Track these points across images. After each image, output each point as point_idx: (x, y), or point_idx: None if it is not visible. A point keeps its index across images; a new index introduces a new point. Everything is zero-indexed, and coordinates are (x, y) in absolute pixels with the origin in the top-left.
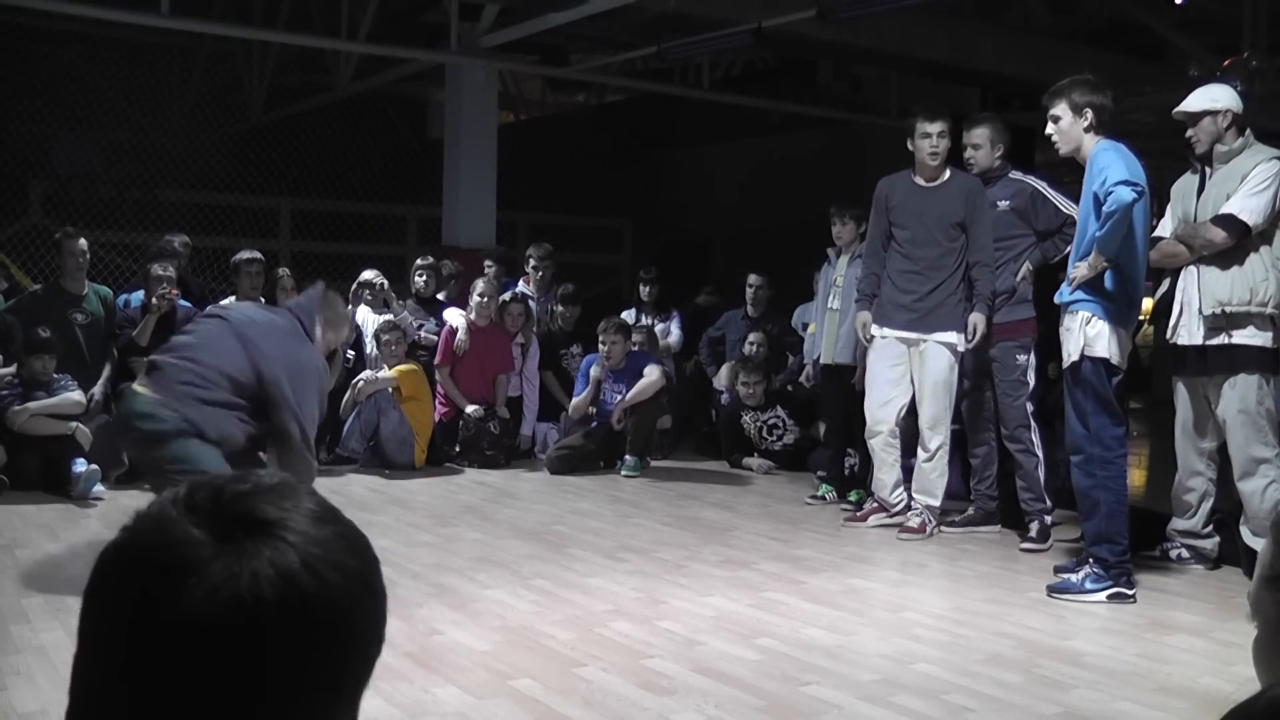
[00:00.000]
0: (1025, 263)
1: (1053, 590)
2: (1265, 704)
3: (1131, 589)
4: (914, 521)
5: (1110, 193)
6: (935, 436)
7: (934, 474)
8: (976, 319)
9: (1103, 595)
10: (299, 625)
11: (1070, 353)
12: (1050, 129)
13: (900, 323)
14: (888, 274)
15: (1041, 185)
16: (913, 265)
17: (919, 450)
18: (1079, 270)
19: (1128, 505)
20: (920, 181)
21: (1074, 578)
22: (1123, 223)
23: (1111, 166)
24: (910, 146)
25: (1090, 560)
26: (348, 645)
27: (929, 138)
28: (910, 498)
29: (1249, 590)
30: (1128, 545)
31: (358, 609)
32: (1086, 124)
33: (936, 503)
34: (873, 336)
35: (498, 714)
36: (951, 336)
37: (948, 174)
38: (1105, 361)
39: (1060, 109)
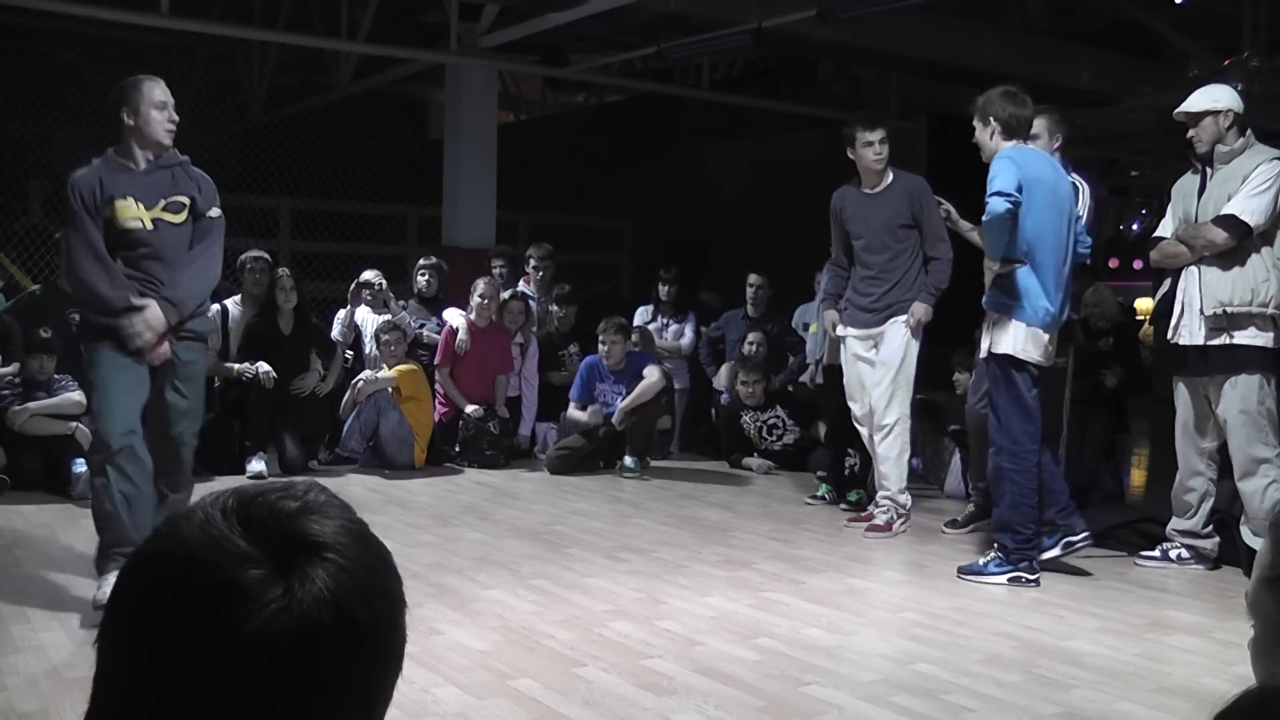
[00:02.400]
0: None
1: (962, 571)
2: (1258, 694)
3: (1034, 574)
4: (881, 519)
5: (987, 203)
6: (890, 412)
7: (893, 453)
8: (917, 306)
9: (1004, 578)
10: (350, 651)
11: (981, 350)
12: (977, 139)
13: (863, 322)
14: (851, 280)
15: (1085, 191)
16: (869, 270)
17: (875, 427)
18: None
19: (1036, 496)
20: (866, 189)
21: (980, 560)
22: (998, 230)
23: (998, 175)
24: (851, 155)
25: (994, 545)
26: (386, 668)
27: (871, 145)
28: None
29: (1247, 590)
30: (1032, 534)
31: (398, 634)
32: (992, 132)
33: (896, 489)
34: (842, 338)
35: (498, 714)
36: (903, 318)
37: (890, 177)
38: (1011, 358)
39: (976, 123)
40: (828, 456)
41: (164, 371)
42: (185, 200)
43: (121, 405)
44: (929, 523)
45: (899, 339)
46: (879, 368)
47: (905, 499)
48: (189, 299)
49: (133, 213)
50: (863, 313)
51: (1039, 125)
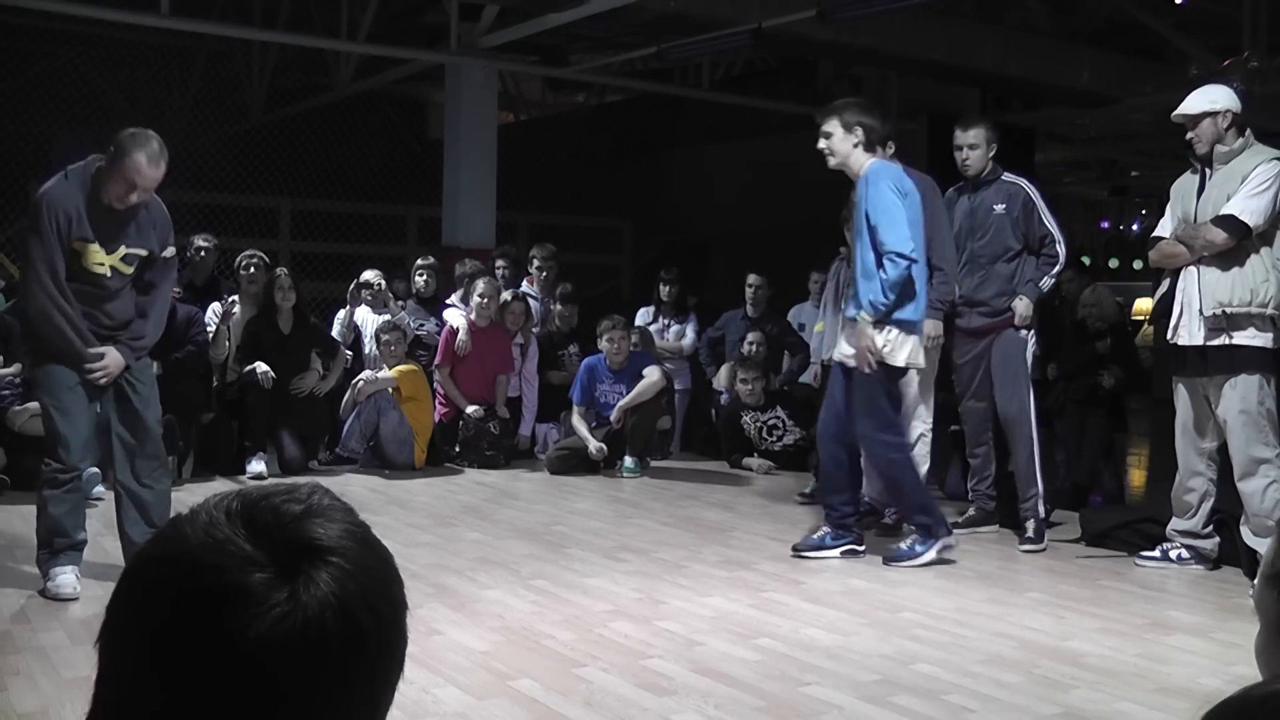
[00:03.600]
0: (1022, 298)
1: (889, 560)
2: (1261, 696)
3: (954, 541)
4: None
5: (890, 260)
6: (912, 427)
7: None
8: (927, 325)
9: (932, 553)
10: (354, 655)
11: (900, 360)
12: (821, 144)
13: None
14: None
15: (1033, 192)
16: None
17: None
18: (866, 330)
19: (923, 478)
20: None
21: (903, 545)
22: (900, 289)
23: (893, 220)
24: None
25: (917, 527)
26: (389, 670)
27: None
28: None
29: (1253, 588)
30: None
31: (400, 637)
32: (856, 141)
33: None
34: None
35: (498, 714)
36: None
37: None
38: (898, 368)
39: (831, 125)
40: None
41: (116, 384)
42: (143, 254)
43: (79, 433)
44: None
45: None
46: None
47: None
48: (150, 344)
49: (99, 258)
50: None
51: (977, 135)
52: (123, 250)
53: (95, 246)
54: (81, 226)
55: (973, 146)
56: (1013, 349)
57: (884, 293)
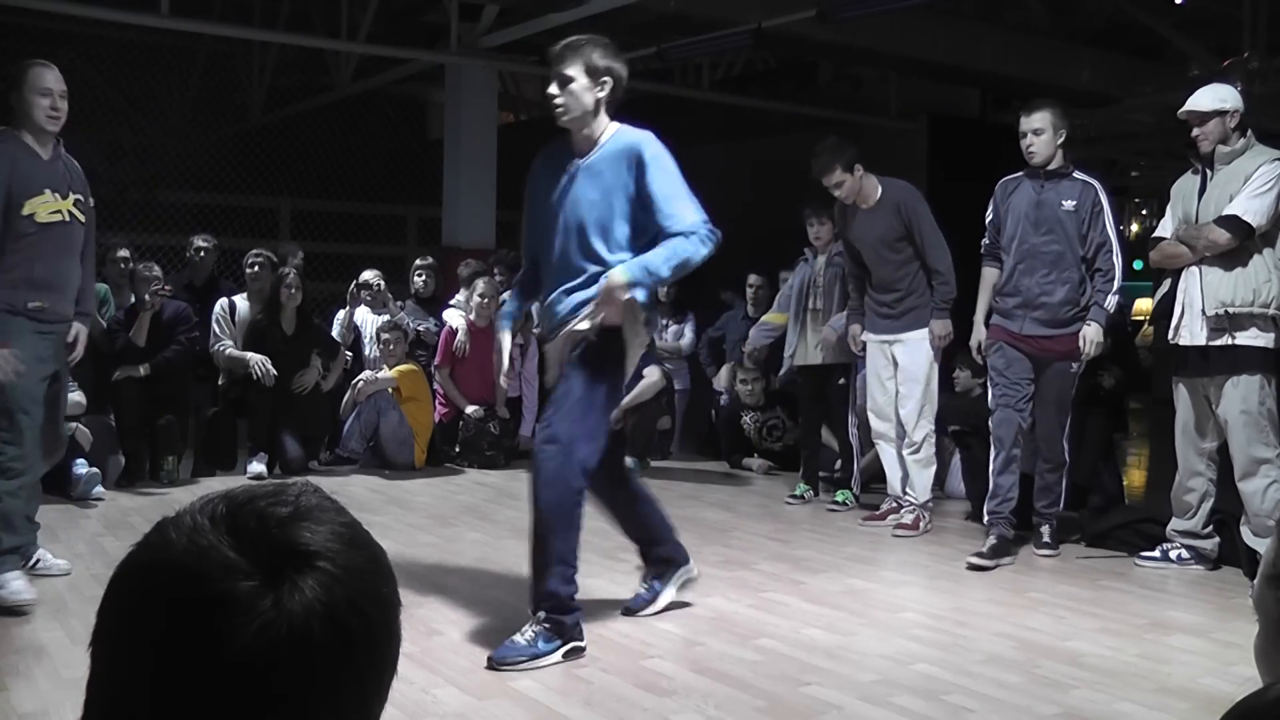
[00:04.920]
0: (1092, 324)
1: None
2: (1274, 697)
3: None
4: (908, 518)
5: (696, 234)
6: (919, 429)
7: (919, 465)
8: (934, 324)
9: (672, 590)
10: (343, 660)
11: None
12: (554, 90)
13: (882, 328)
14: (869, 287)
15: (1104, 195)
16: (877, 280)
17: (905, 443)
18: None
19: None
20: (860, 205)
21: (643, 591)
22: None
23: (684, 189)
24: None
25: (547, 619)
26: (380, 673)
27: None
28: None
29: (1252, 588)
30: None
31: (391, 639)
32: (600, 96)
33: (924, 498)
34: (864, 343)
35: (498, 714)
36: (925, 333)
37: (879, 193)
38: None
39: (574, 69)
40: (833, 456)
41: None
42: (89, 202)
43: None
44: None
45: (923, 356)
46: (905, 385)
47: (930, 504)
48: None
49: (55, 205)
50: (880, 319)
51: (1042, 119)
52: (72, 196)
53: (47, 195)
54: (29, 178)
55: (1037, 132)
56: (1064, 384)
57: (670, 264)
